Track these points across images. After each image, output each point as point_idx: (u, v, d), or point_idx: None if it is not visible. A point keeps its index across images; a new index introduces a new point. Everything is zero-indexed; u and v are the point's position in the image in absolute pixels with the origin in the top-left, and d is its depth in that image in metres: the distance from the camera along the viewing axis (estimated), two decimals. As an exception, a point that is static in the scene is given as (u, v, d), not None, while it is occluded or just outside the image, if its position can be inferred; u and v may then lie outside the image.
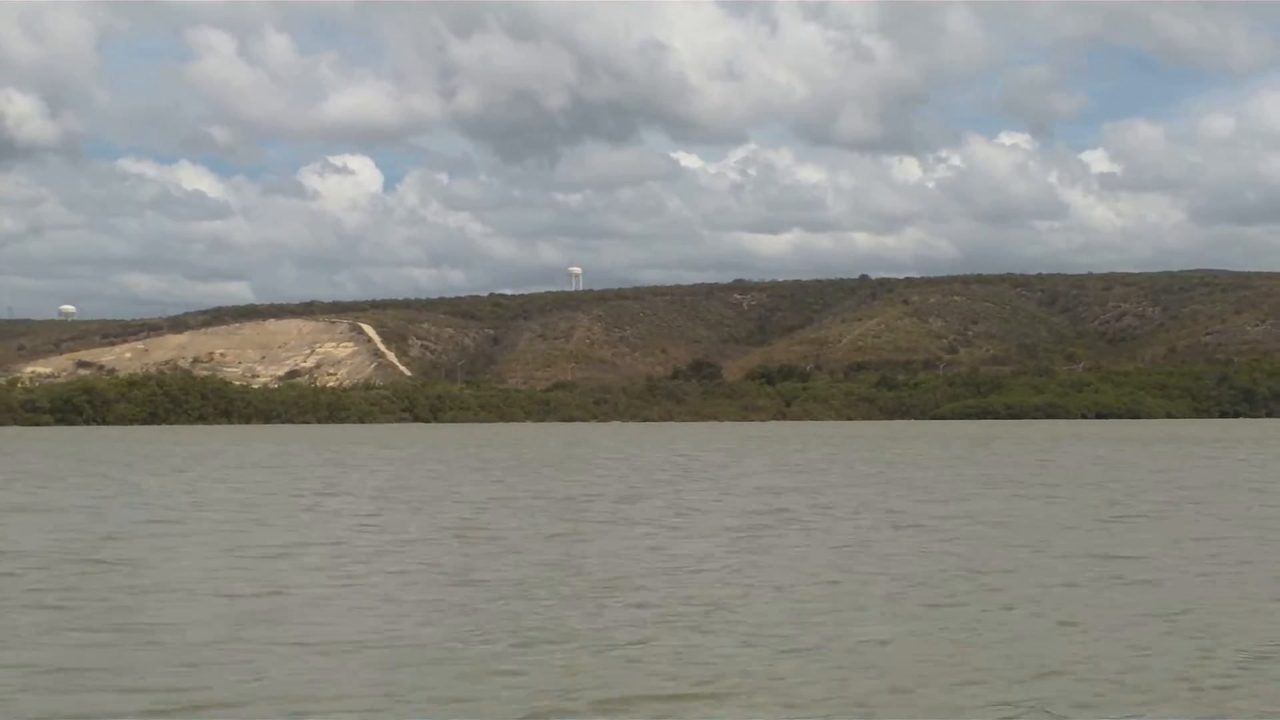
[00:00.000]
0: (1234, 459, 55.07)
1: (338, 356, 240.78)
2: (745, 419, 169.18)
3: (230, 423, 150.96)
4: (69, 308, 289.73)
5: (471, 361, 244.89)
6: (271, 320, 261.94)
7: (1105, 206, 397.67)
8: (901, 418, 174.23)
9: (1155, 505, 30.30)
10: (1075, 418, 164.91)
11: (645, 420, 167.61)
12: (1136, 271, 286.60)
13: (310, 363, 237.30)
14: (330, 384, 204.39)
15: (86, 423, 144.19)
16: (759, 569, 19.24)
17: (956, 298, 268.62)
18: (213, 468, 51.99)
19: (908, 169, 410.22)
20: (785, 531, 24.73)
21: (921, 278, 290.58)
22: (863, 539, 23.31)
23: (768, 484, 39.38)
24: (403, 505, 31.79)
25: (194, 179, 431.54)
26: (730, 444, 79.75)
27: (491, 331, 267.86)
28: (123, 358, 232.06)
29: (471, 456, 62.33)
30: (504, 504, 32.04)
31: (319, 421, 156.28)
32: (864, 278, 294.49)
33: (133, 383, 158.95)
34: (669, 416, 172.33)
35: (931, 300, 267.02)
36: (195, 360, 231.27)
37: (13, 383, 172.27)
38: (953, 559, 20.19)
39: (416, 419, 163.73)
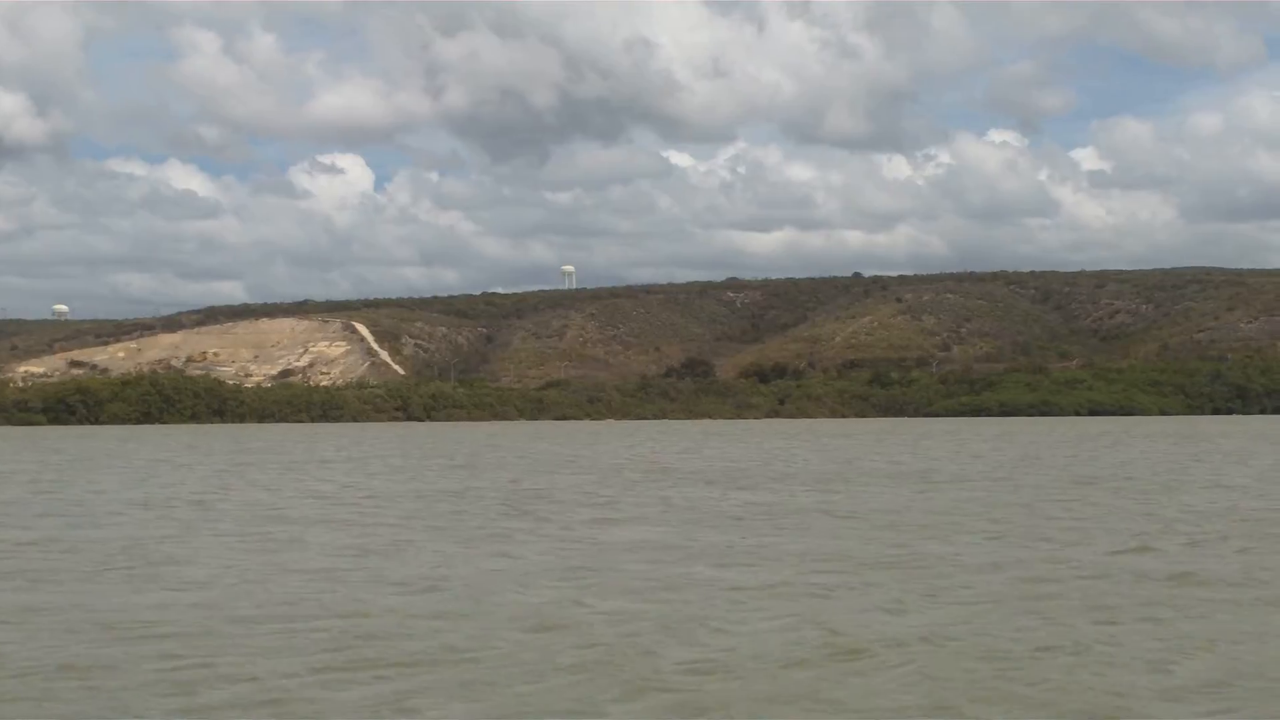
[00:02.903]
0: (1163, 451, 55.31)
1: (331, 355, 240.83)
2: (739, 417, 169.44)
3: (224, 422, 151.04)
4: (62, 307, 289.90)
5: (465, 360, 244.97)
6: (264, 319, 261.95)
7: (1096, 204, 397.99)
8: (895, 415, 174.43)
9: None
10: (1069, 415, 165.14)
11: (639, 418, 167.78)
12: (1129, 269, 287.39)
13: (304, 362, 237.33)
14: (324, 383, 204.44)
15: (80, 422, 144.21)
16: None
17: (949, 295, 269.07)
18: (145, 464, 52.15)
19: (897, 167, 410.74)
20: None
21: (914, 275, 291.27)
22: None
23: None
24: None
25: (184, 178, 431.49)
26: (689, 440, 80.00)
27: (485, 330, 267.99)
28: (116, 357, 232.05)
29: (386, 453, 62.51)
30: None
31: (312, 420, 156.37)
32: (857, 275, 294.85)
33: (126, 382, 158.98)
34: (662, 414, 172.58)
35: (924, 298, 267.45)
36: (189, 359, 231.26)
37: (5, 383, 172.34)
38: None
39: (410, 418, 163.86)
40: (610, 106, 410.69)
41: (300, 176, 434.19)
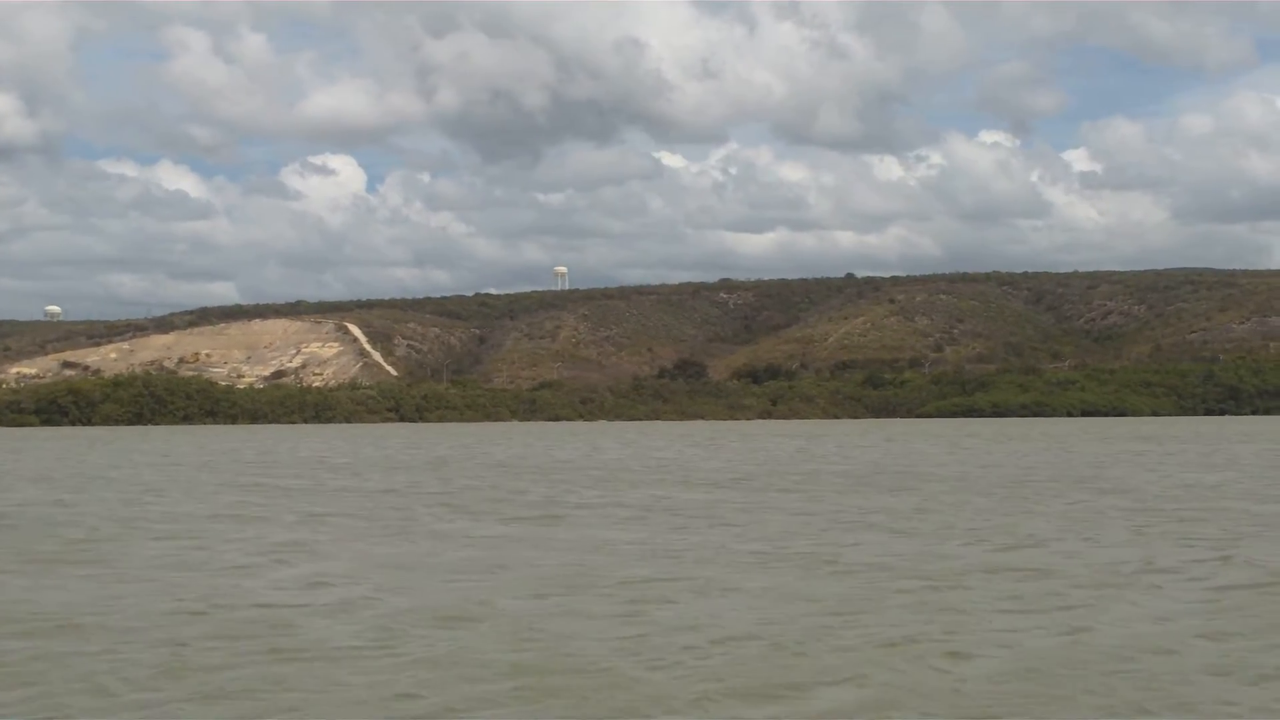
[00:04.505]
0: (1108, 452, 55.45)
1: (324, 356, 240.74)
2: (731, 418, 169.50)
3: (216, 423, 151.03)
4: (54, 308, 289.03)
5: (457, 361, 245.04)
6: (257, 320, 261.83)
7: (1087, 205, 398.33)
8: (888, 416, 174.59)
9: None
10: (1061, 415, 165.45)
11: (631, 419, 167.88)
12: (1121, 270, 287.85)
13: (296, 363, 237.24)
14: (316, 384, 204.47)
15: (72, 423, 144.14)
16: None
17: (942, 296, 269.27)
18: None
19: (889, 168, 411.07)
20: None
21: (907, 276, 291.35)
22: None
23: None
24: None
25: (175, 179, 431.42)
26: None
27: (477, 331, 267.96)
28: (108, 358, 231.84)
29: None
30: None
31: (305, 421, 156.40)
32: (849, 276, 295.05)
33: (118, 383, 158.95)
34: (655, 415, 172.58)
35: (917, 299, 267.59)
36: (181, 360, 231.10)
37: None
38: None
39: (403, 419, 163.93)
40: (601, 107, 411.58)
41: (292, 177, 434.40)
